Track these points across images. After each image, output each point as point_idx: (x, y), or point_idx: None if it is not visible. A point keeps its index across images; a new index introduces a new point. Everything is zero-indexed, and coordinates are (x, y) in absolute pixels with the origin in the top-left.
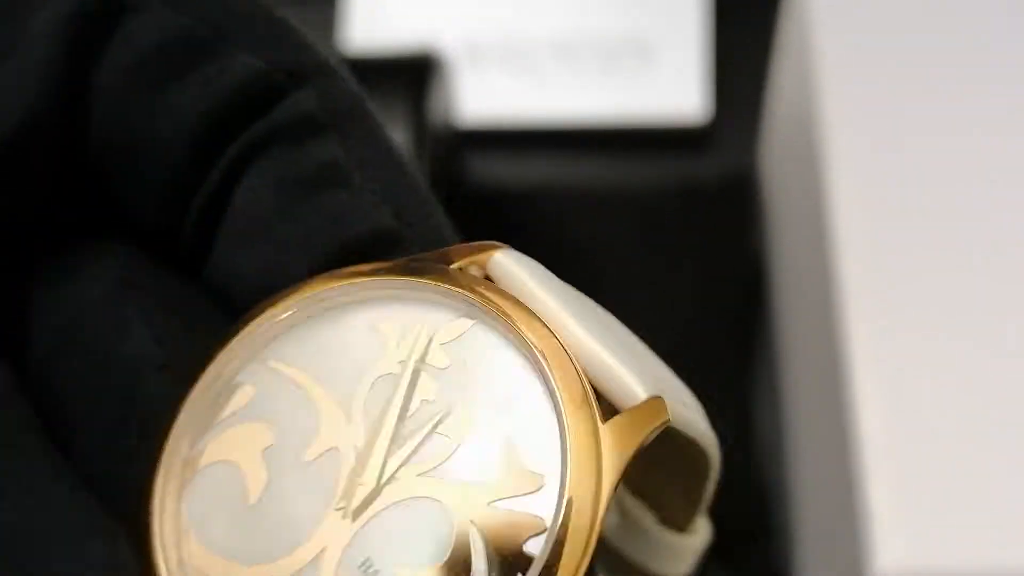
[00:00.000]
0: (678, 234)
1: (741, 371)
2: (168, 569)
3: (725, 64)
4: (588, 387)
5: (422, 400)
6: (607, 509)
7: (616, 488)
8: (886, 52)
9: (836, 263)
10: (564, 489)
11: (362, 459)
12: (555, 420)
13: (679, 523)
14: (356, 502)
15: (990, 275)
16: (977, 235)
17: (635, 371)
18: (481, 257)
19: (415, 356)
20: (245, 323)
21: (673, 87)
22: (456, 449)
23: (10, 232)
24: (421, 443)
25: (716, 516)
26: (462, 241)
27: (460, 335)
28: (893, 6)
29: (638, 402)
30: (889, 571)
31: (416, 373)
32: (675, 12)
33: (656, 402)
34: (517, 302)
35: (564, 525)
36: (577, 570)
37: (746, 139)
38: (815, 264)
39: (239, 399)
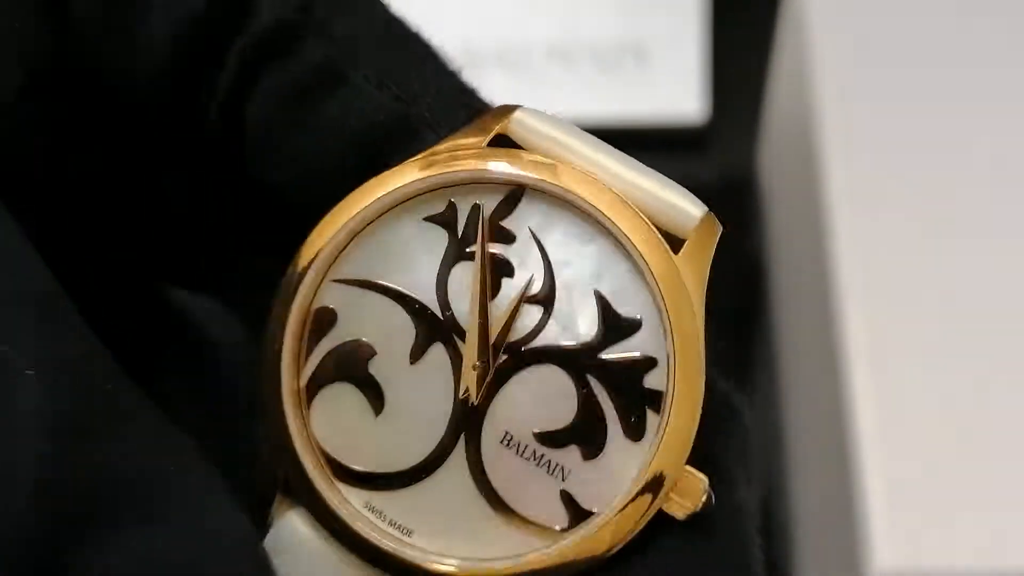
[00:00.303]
0: None
1: (739, 372)
2: (325, 496)
3: (723, 66)
4: (651, 225)
5: (502, 277)
6: (704, 332)
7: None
8: (883, 54)
9: (834, 263)
10: (666, 323)
11: (468, 347)
12: (632, 265)
13: None
14: (476, 387)
15: (987, 275)
16: (974, 235)
17: (682, 194)
18: (504, 123)
19: (482, 238)
20: (307, 252)
21: (671, 89)
22: (550, 315)
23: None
24: (516, 317)
25: None
26: (480, 105)
27: (515, 209)
28: (890, 9)
29: (696, 222)
30: (887, 571)
31: (487, 255)
32: (673, 14)
33: (709, 217)
34: (555, 164)
35: (675, 355)
36: (695, 396)
37: (744, 140)
38: (813, 264)
39: (327, 322)
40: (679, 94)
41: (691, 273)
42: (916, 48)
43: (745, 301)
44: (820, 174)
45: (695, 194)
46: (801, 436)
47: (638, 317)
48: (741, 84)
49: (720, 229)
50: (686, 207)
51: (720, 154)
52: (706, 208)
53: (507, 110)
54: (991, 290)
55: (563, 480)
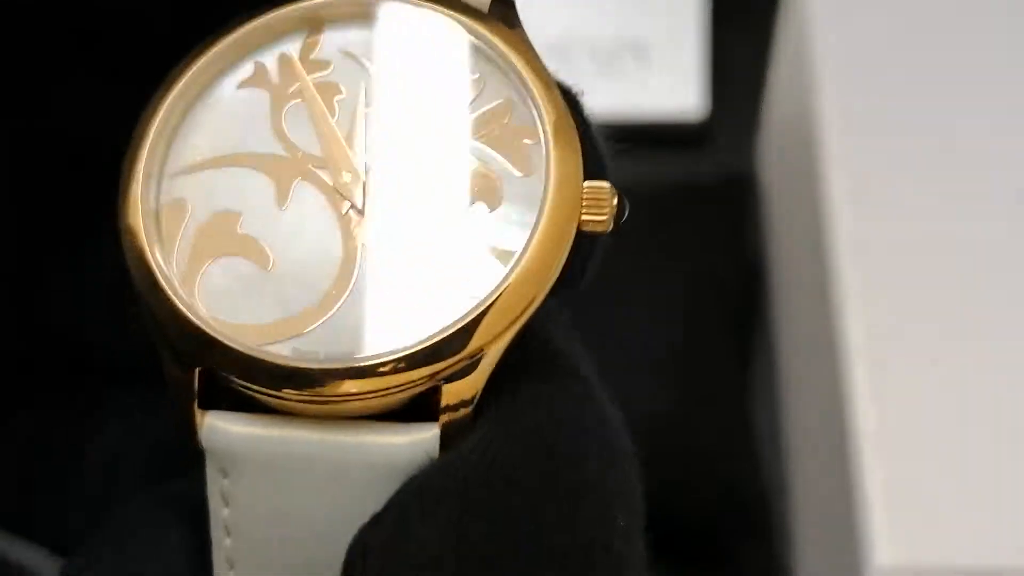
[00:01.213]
0: (676, 232)
1: (739, 369)
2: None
3: (722, 64)
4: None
5: (333, 98)
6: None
7: None
8: (882, 53)
9: (833, 261)
10: (506, 66)
11: (331, 166)
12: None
13: None
14: (357, 196)
15: (987, 274)
16: (974, 234)
17: None
18: None
19: (302, 74)
20: (135, 153)
21: (670, 86)
22: (397, 108)
23: None
24: (362, 123)
25: (715, 515)
26: None
27: (319, 41)
28: (889, 8)
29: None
30: (887, 569)
31: (311, 84)
32: (673, 13)
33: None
34: None
35: (528, 89)
36: (560, 109)
37: (743, 138)
38: (812, 262)
39: (180, 213)
40: (679, 92)
41: (510, 27)
42: (916, 48)
43: (745, 300)
44: (820, 173)
45: (693, 192)
46: (801, 435)
47: (478, 74)
48: (741, 82)
49: (512, 3)
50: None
51: (720, 152)
52: None
53: None
54: (992, 290)
55: (479, 238)
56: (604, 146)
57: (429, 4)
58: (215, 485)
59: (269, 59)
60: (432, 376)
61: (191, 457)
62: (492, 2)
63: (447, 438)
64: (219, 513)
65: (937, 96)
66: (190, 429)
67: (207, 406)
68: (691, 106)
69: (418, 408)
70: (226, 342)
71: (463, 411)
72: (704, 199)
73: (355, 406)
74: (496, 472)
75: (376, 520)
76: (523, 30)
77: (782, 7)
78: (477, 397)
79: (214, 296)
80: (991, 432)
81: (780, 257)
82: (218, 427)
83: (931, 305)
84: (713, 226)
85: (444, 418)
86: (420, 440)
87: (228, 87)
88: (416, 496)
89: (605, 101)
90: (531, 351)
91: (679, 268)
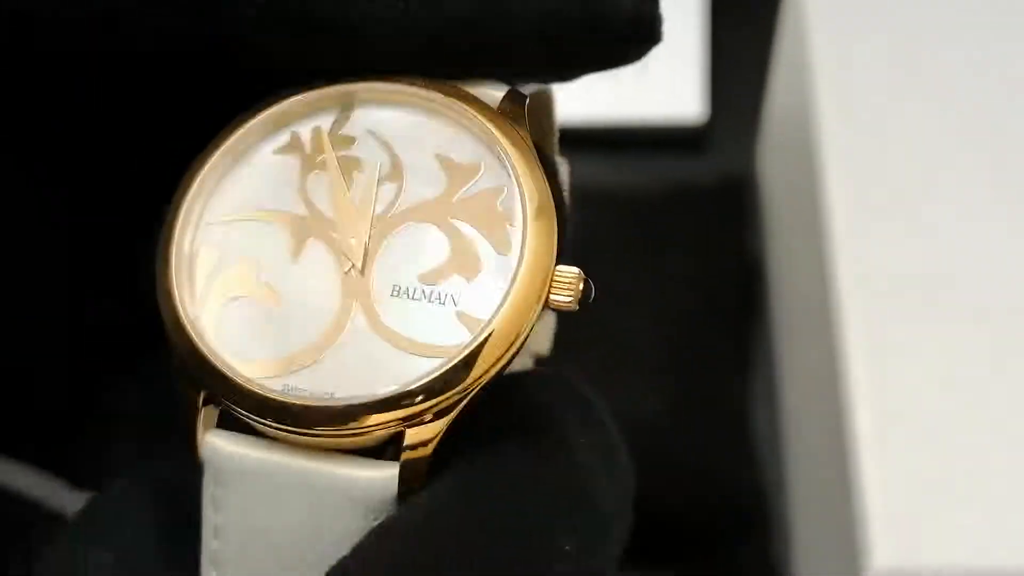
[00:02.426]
0: (675, 234)
1: (738, 370)
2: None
3: (722, 66)
4: (466, 91)
5: (353, 171)
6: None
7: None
8: (881, 56)
9: (832, 263)
10: (501, 156)
11: (340, 229)
12: (458, 124)
13: None
14: (357, 257)
15: (988, 275)
16: (975, 234)
17: (487, 83)
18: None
19: (329, 147)
20: (179, 198)
21: (670, 89)
22: (403, 184)
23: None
24: (376, 197)
25: (715, 515)
26: None
27: (349, 118)
28: (888, 11)
29: (501, 96)
30: (885, 569)
31: (336, 157)
32: (672, 15)
33: (511, 91)
34: (369, 76)
35: (517, 179)
36: (546, 201)
37: (743, 140)
38: (811, 264)
39: (209, 258)
40: (679, 94)
41: (515, 121)
42: (916, 48)
43: (745, 301)
44: (820, 174)
45: (693, 194)
46: (800, 435)
47: (476, 160)
48: (741, 84)
49: (525, 97)
50: (489, 91)
51: (719, 154)
52: (505, 86)
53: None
54: (992, 289)
55: (455, 305)
56: (568, 216)
57: (446, 95)
58: (208, 491)
59: (304, 130)
60: (396, 422)
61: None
62: (503, 99)
63: (406, 474)
64: (209, 517)
65: (936, 96)
66: (192, 442)
67: (211, 425)
68: (691, 108)
69: (386, 445)
70: (227, 373)
71: (421, 451)
72: (704, 200)
73: (329, 441)
74: (438, 529)
75: (351, 554)
76: (527, 130)
77: (782, 8)
78: (436, 441)
79: (227, 332)
80: (990, 433)
81: (780, 257)
82: (214, 443)
83: (930, 305)
84: (713, 227)
85: (404, 455)
86: (380, 477)
87: (266, 151)
88: (376, 537)
89: (605, 104)
90: (515, 411)
91: (679, 268)
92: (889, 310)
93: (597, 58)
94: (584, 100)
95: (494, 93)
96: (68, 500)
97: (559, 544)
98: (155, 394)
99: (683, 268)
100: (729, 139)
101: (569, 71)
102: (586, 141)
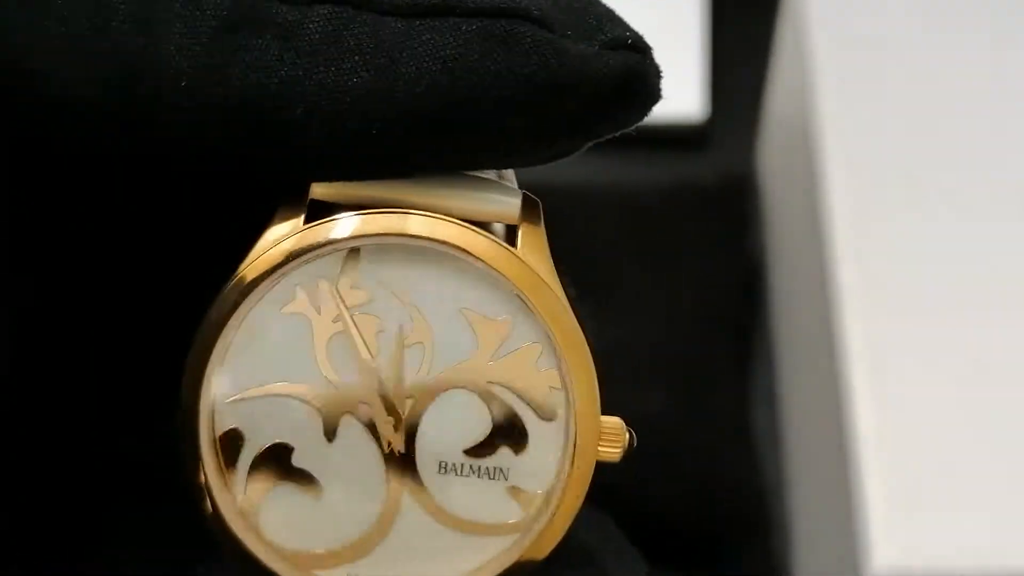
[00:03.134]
0: (676, 233)
1: (738, 370)
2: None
3: (723, 65)
4: (480, 230)
5: (376, 334)
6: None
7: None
8: (881, 55)
9: (833, 262)
10: (532, 309)
11: (374, 407)
12: (480, 274)
13: None
14: (396, 437)
15: (988, 275)
16: (974, 234)
17: (495, 187)
18: (307, 197)
19: (343, 310)
20: (189, 380)
21: (671, 88)
22: (432, 349)
23: None
24: (403, 365)
25: (715, 515)
26: None
27: (358, 269)
28: (888, 10)
29: (518, 208)
30: (885, 570)
31: (354, 323)
32: (673, 15)
33: (526, 198)
34: (371, 214)
35: (552, 331)
36: (583, 353)
37: (743, 139)
38: (813, 264)
39: (237, 441)
40: (679, 94)
41: (534, 253)
42: (915, 48)
43: (745, 301)
44: (820, 174)
45: (693, 193)
46: (801, 436)
47: (506, 316)
48: (741, 84)
49: (538, 202)
50: (502, 198)
51: (720, 154)
52: (520, 192)
53: (303, 190)
54: (991, 290)
55: (506, 479)
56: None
57: (456, 236)
58: None
59: (309, 285)
60: None
61: None
62: (520, 215)
63: None
64: None
65: (936, 97)
66: None
67: None
68: (691, 108)
69: None
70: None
71: None
72: (704, 200)
73: None
74: None
75: None
76: (547, 260)
77: (782, 7)
78: None
79: (273, 523)
80: (990, 433)
81: (780, 257)
82: None
83: (930, 305)
84: (713, 226)
85: None
86: None
87: (272, 312)
88: None
89: None
90: (562, 551)
91: (679, 269)
92: (889, 310)
93: (584, 124)
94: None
95: (507, 200)
96: None
97: None
98: (157, 539)
99: (683, 268)
100: (729, 139)
101: (559, 143)
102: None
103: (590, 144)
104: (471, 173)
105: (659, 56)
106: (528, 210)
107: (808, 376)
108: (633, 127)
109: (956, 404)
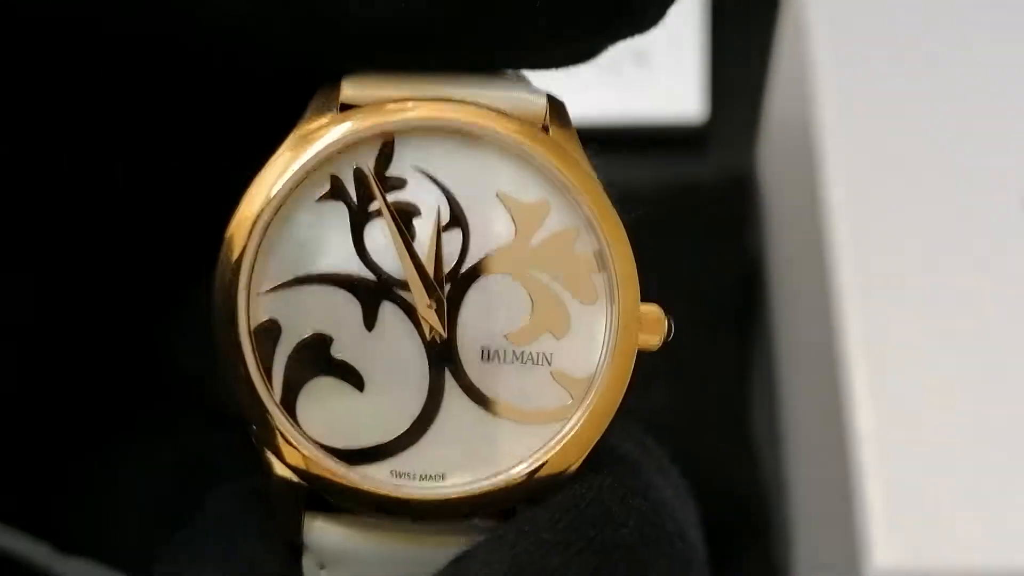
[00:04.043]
0: (676, 233)
1: (738, 370)
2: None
3: (722, 66)
4: (513, 117)
5: (412, 219)
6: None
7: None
8: (881, 56)
9: (833, 262)
10: (569, 193)
11: (415, 292)
12: (516, 158)
13: None
14: (438, 322)
15: (985, 274)
16: (972, 234)
17: (524, 87)
18: (338, 92)
19: (380, 194)
20: (223, 274)
21: (671, 89)
22: (469, 232)
23: None
24: (441, 248)
25: (715, 515)
26: None
27: (393, 156)
28: (888, 11)
29: (543, 108)
30: (886, 569)
31: (390, 206)
32: (673, 16)
33: (551, 97)
34: (408, 102)
35: (592, 215)
36: (622, 237)
37: (743, 140)
38: (812, 263)
39: (274, 333)
40: (679, 94)
41: (567, 143)
42: (916, 49)
43: (745, 301)
44: (820, 174)
45: (693, 193)
46: (801, 435)
47: (544, 198)
48: (741, 84)
49: (564, 104)
50: (529, 96)
51: (720, 154)
52: (544, 92)
53: (334, 83)
54: (991, 289)
55: (550, 364)
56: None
57: (489, 120)
58: (311, 574)
59: (345, 172)
60: (510, 500)
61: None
62: (548, 113)
63: None
64: None
65: (936, 97)
66: (295, 528)
67: (308, 507)
68: (691, 108)
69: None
70: (332, 471)
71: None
72: (704, 200)
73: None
74: (532, 535)
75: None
76: (578, 145)
77: (782, 8)
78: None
79: (314, 417)
80: (990, 433)
81: (780, 257)
82: (322, 528)
83: (929, 305)
84: (712, 226)
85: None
86: None
87: (307, 201)
88: (462, 562)
89: (606, 104)
90: (600, 457)
91: (679, 268)
92: (889, 310)
93: (603, 17)
94: (585, 100)
95: (533, 99)
96: (56, 565)
97: (649, 573)
98: (157, 463)
99: (683, 268)
100: (729, 139)
101: (579, 39)
102: (586, 140)
103: (607, 48)
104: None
105: (659, 56)
106: (555, 110)
107: (808, 376)
108: (651, 27)
109: (956, 404)
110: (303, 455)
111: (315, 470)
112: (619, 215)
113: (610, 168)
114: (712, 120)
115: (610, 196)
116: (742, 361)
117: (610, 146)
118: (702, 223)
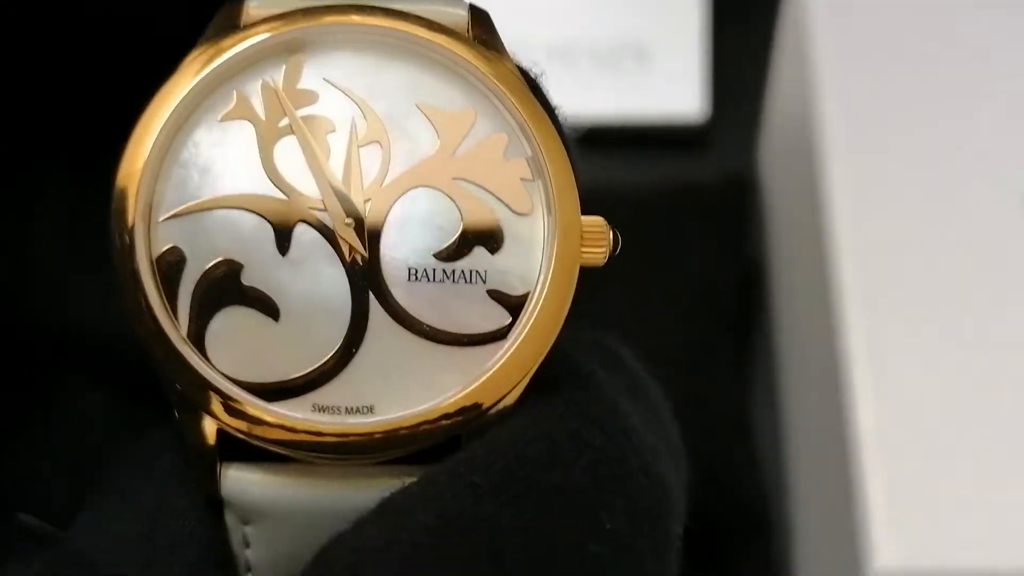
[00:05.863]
0: (676, 233)
1: (739, 371)
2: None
3: (723, 66)
4: (432, 21)
5: (326, 135)
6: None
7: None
8: (882, 55)
9: (834, 263)
10: (495, 98)
11: (330, 211)
12: (436, 64)
13: None
14: (359, 242)
15: (987, 274)
16: (973, 234)
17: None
18: (243, 9)
19: (288, 108)
20: (120, 201)
21: (671, 88)
22: (389, 146)
23: None
24: (360, 164)
25: (715, 515)
26: None
27: (303, 68)
28: (889, 11)
29: (466, 19)
30: (887, 570)
31: (300, 121)
32: (673, 14)
33: (473, 8)
34: (316, 10)
35: (521, 118)
36: (554, 140)
37: (744, 140)
38: (812, 264)
39: (177, 262)
40: (679, 94)
41: (492, 49)
42: (916, 49)
43: (745, 301)
44: (820, 174)
45: (694, 193)
46: (801, 436)
47: (468, 106)
48: (741, 84)
49: (487, 13)
50: (449, 9)
51: (720, 154)
52: (465, 3)
53: (236, 3)
54: (991, 290)
55: (484, 282)
56: (573, 145)
57: (407, 25)
58: (237, 531)
59: (251, 87)
60: (445, 431)
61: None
62: (471, 24)
63: None
64: (241, 553)
65: (937, 96)
66: (211, 481)
67: (224, 457)
68: (691, 108)
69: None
70: (248, 407)
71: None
72: (704, 200)
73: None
74: (464, 479)
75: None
76: (508, 54)
77: (782, 7)
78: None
79: (225, 351)
80: (991, 433)
81: (780, 257)
82: (239, 480)
83: (931, 305)
84: (713, 227)
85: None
86: None
87: (210, 120)
88: (400, 495)
89: (606, 103)
90: (560, 377)
91: (679, 268)
92: (890, 310)
93: None
94: (585, 100)
95: (453, 11)
96: None
97: (600, 520)
98: (77, 418)
99: (683, 267)
100: (729, 139)
101: None
102: (586, 140)
103: None
104: None
105: (659, 56)
106: (479, 19)
107: (808, 376)
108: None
109: (957, 404)
110: (213, 393)
111: (228, 409)
112: (554, 123)
113: (610, 168)
114: (712, 120)
115: (538, 92)
116: (742, 361)
117: (610, 146)
118: (702, 223)
